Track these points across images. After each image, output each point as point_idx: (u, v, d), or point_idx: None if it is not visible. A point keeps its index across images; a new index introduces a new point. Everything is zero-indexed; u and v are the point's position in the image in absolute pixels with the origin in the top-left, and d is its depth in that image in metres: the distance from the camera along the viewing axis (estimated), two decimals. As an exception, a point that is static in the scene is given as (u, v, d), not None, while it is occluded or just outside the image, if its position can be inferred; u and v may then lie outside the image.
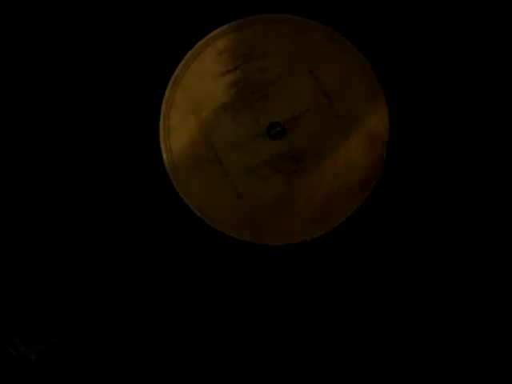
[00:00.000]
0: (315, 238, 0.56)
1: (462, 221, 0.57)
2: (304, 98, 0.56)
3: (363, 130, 0.56)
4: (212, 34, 0.56)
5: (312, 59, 0.56)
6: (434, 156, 0.58)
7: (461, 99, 0.58)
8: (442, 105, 0.58)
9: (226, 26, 0.56)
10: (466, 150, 0.58)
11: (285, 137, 0.56)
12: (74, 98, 0.57)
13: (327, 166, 0.56)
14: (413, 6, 0.58)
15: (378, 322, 0.57)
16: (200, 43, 0.56)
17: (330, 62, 0.56)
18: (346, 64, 0.56)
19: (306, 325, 0.57)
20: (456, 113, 0.58)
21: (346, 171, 0.56)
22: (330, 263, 0.57)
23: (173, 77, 0.56)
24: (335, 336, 0.57)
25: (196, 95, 0.56)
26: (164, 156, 0.56)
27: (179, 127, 0.56)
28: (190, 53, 0.56)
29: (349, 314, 0.57)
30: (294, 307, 0.57)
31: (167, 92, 0.56)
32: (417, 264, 0.57)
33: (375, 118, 0.56)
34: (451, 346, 0.57)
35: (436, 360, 0.57)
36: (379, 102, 0.56)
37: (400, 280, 0.57)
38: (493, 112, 0.58)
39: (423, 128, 0.58)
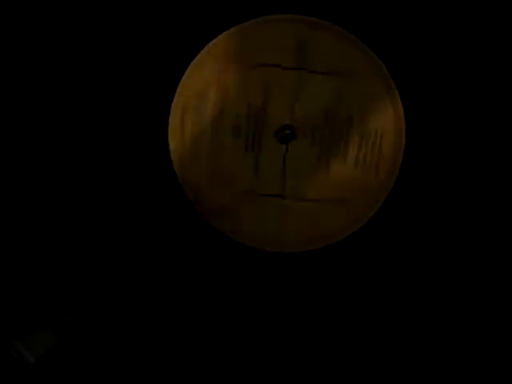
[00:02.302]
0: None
1: (474, 235, 0.57)
2: (312, 98, 0.55)
3: (377, 131, 0.55)
4: (215, 40, 0.55)
5: (315, 58, 0.55)
6: (449, 166, 0.57)
7: (476, 100, 0.57)
8: (459, 109, 0.57)
9: (230, 31, 0.55)
10: (485, 162, 0.57)
11: (295, 140, 0.55)
12: (83, 95, 0.57)
13: (341, 168, 0.55)
14: (427, 7, 0.57)
15: (381, 328, 0.57)
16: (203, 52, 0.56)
17: (335, 59, 0.55)
18: (355, 62, 0.55)
19: (305, 329, 0.57)
20: (472, 116, 0.57)
21: (359, 173, 0.55)
22: (336, 270, 0.57)
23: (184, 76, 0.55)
24: (335, 341, 0.57)
25: (202, 99, 0.55)
26: (172, 154, 0.55)
27: (188, 127, 0.55)
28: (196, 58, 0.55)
29: (352, 319, 0.57)
30: (295, 311, 0.57)
31: (179, 89, 0.55)
32: (422, 271, 0.57)
33: (390, 120, 0.55)
34: (453, 352, 0.57)
35: (436, 362, 0.57)
36: (394, 103, 0.55)
37: (405, 291, 0.57)
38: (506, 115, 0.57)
39: (439, 133, 0.57)
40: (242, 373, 0.56)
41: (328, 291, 0.57)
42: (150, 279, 0.56)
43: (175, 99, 0.55)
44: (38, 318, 0.54)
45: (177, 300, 0.56)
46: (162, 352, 0.56)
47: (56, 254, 0.56)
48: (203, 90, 0.55)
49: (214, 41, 0.55)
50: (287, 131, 0.55)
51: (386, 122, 0.55)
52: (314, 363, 0.56)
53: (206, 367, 0.56)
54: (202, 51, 0.55)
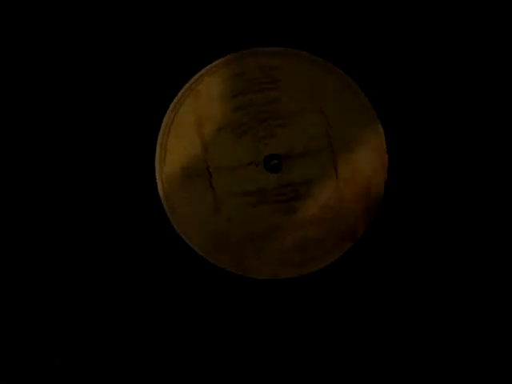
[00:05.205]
0: (296, 277, 0.55)
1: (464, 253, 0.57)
2: (308, 137, 0.56)
3: (361, 181, 0.56)
4: (220, 60, 0.56)
5: (323, 100, 0.56)
6: (432, 202, 0.57)
7: (463, 139, 0.57)
8: (446, 151, 0.57)
9: (235, 54, 0.56)
10: (467, 187, 0.57)
11: (280, 171, 0.56)
12: (68, 117, 0.57)
13: (317, 209, 0.56)
14: (419, 47, 0.57)
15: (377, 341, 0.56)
16: (207, 68, 0.56)
17: (339, 106, 0.56)
18: (353, 110, 0.56)
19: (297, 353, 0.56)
20: (458, 157, 0.57)
21: (335, 217, 0.56)
22: (309, 303, 0.57)
23: (175, 99, 0.56)
24: (326, 365, 0.56)
25: (198, 116, 0.56)
26: (158, 177, 0.56)
27: (176, 148, 0.56)
28: (199, 73, 0.57)
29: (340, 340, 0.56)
30: (285, 335, 0.57)
31: (166, 118, 0.56)
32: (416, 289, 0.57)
33: (374, 169, 0.56)
34: (452, 358, 0.56)
35: (436, 367, 0.56)
36: (381, 156, 0.56)
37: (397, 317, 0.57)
38: (495, 141, 0.57)
39: (423, 176, 0.57)
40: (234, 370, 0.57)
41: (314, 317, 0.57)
42: (140, 297, 0.56)
43: (165, 121, 0.56)
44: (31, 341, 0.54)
45: (172, 307, 0.56)
46: (159, 356, 0.56)
47: (52, 261, 0.56)
48: (199, 109, 0.56)
49: (215, 62, 0.56)
50: (274, 161, 0.55)
51: (371, 173, 0.56)
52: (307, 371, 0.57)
53: (202, 368, 0.56)
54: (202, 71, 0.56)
